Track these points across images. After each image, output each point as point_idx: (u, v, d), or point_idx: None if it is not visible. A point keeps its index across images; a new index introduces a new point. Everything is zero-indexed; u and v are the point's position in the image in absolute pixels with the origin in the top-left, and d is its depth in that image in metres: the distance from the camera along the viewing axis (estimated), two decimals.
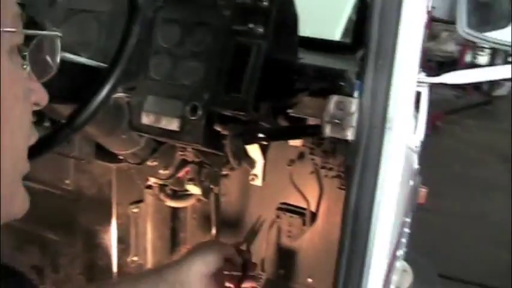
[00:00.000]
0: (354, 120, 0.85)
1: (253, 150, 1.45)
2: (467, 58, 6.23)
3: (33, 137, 0.57)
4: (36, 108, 0.56)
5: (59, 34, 0.58)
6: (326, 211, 1.50)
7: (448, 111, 5.91)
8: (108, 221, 1.56)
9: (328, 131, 0.84)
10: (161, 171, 1.39)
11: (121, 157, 1.35)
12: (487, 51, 4.87)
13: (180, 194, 1.52)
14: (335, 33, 1.57)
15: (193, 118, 1.15)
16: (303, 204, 1.50)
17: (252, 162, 1.47)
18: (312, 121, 1.38)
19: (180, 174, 1.41)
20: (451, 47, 6.50)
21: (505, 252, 3.37)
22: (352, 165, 0.90)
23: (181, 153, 1.37)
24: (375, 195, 0.90)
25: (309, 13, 1.25)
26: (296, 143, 1.45)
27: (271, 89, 1.18)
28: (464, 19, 1.04)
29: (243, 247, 1.19)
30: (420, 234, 2.08)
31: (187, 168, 1.41)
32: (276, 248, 1.59)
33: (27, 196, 0.55)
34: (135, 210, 1.59)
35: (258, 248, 1.53)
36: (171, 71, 1.19)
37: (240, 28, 1.14)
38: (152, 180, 1.48)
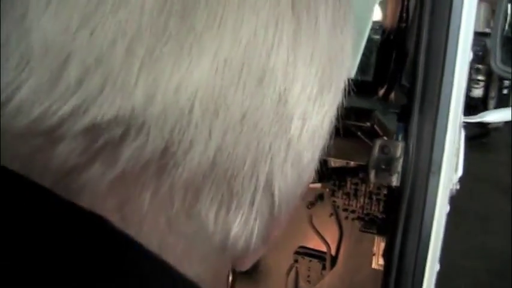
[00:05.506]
0: (400, 165, 0.80)
1: None
2: None
3: None
4: None
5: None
6: (346, 254, 1.44)
7: None
8: None
9: (372, 177, 0.79)
10: None
11: None
12: (482, 83, 4.90)
13: None
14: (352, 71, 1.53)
15: None
16: (322, 248, 1.44)
17: None
18: (333, 163, 1.34)
19: None
20: None
21: (507, 283, 3.31)
22: (396, 211, 0.85)
23: None
24: (420, 242, 0.85)
25: None
26: (315, 184, 1.39)
27: None
28: (498, 56, 1.02)
29: None
30: None
31: None
32: None
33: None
34: None
35: None
36: None
37: None
38: None
